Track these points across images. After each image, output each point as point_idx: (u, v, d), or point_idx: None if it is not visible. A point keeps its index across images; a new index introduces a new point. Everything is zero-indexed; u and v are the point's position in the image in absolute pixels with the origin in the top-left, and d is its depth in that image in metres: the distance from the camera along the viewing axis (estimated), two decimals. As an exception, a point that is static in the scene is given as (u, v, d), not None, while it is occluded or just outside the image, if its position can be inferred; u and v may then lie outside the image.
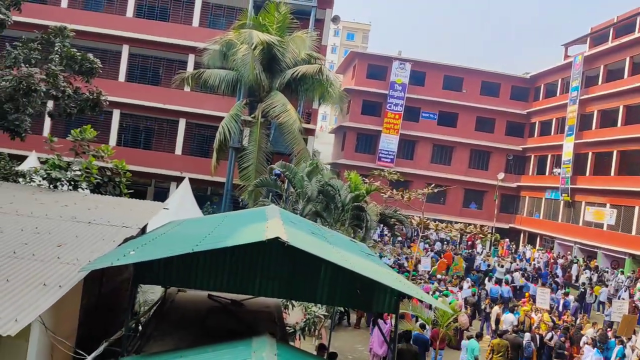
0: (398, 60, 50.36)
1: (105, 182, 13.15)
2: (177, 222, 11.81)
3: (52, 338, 5.81)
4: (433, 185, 26.22)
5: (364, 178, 21.26)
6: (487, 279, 25.71)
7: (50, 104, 17.33)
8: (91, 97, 14.48)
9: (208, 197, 30.91)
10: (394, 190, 28.66)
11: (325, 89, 22.73)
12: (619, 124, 38.00)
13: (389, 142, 49.80)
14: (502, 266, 30.19)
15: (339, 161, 50.47)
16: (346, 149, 50.92)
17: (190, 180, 29.51)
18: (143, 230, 11.28)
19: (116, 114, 30.32)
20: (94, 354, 6.08)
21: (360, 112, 50.66)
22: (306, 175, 17.76)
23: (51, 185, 12.01)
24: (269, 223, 8.04)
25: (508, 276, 27.48)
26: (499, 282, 24.67)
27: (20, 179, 13.35)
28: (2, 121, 13.10)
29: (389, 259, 26.39)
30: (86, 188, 13.13)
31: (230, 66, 22.53)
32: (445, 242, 40.89)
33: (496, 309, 19.97)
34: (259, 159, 22.00)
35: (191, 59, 29.30)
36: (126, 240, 8.82)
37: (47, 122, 28.15)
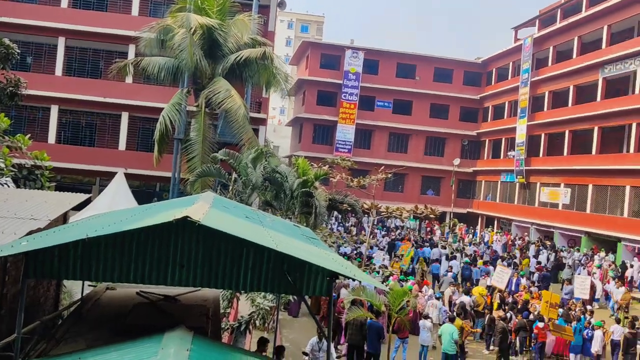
0: (351, 49, 49.78)
1: (25, 175, 12.01)
2: (99, 214, 10.85)
3: None
4: (383, 168, 25.62)
5: (312, 164, 20.50)
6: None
7: None
8: (7, 86, 13.26)
9: (157, 193, 29.69)
10: (350, 177, 28.03)
11: (271, 74, 21.88)
12: (569, 104, 38.27)
13: (345, 132, 49.23)
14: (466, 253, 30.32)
15: (296, 153, 49.58)
16: (303, 141, 50.14)
17: (137, 176, 28.36)
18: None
19: (54, 110, 28.69)
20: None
21: (316, 102, 49.90)
22: (251, 163, 16.89)
23: (-41, 180, 10.85)
24: (191, 207, 7.23)
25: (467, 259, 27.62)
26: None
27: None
28: None
29: (346, 248, 25.75)
30: (5, 183, 12.00)
31: (168, 53, 21.44)
32: (405, 229, 40.58)
33: (448, 292, 19.52)
34: (204, 149, 21.07)
35: (132, 49, 27.87)
36: (31, 232, 7.89)
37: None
